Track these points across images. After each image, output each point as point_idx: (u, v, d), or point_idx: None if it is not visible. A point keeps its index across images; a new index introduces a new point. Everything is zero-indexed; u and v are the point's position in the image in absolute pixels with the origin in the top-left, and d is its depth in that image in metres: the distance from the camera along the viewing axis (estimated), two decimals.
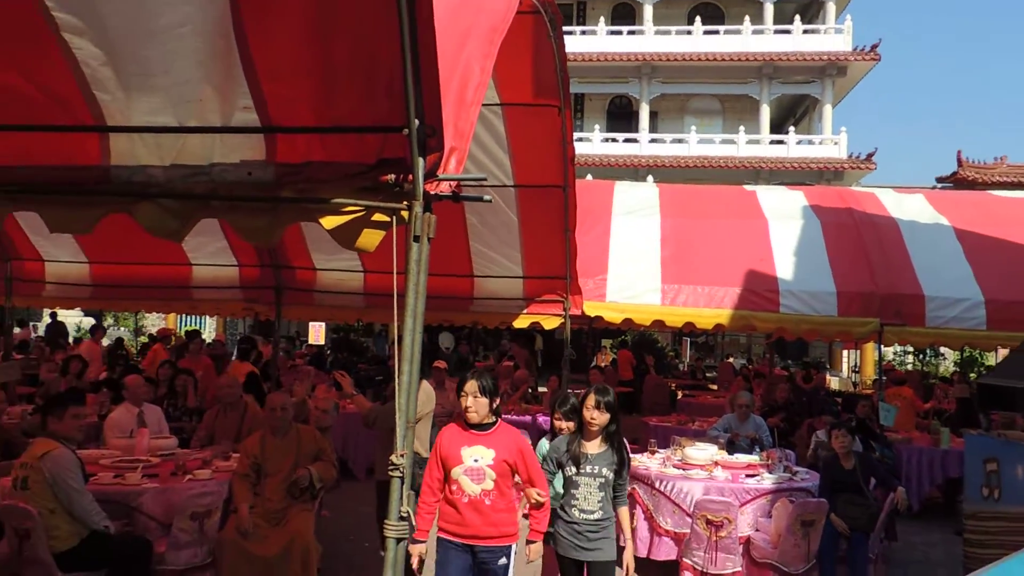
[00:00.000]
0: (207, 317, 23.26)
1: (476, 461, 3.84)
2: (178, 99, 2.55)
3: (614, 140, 27.64)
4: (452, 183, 2.57)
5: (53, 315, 18.40)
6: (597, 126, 28.02)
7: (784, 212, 9.45)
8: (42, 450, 4.53)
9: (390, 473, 2.55)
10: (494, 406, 3.95)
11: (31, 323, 22.04)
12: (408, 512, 2.54)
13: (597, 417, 4.11)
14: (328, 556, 5.78)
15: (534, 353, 22.25)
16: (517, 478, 4.04)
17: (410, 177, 2.52)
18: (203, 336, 15.55)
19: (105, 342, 16.85)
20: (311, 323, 23.57)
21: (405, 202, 2.57)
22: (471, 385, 3.87)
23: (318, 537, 5.33)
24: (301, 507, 5.51)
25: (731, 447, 7.19)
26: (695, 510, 5.54)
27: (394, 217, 2.60)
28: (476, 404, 3.87)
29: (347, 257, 8.50)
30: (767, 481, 6.04)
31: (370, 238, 2.62)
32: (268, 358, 10.36)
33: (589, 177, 20.89)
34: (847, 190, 12.58)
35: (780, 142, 27.25)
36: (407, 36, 2.26)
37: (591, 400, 4.13)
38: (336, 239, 2.65)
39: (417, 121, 2.39)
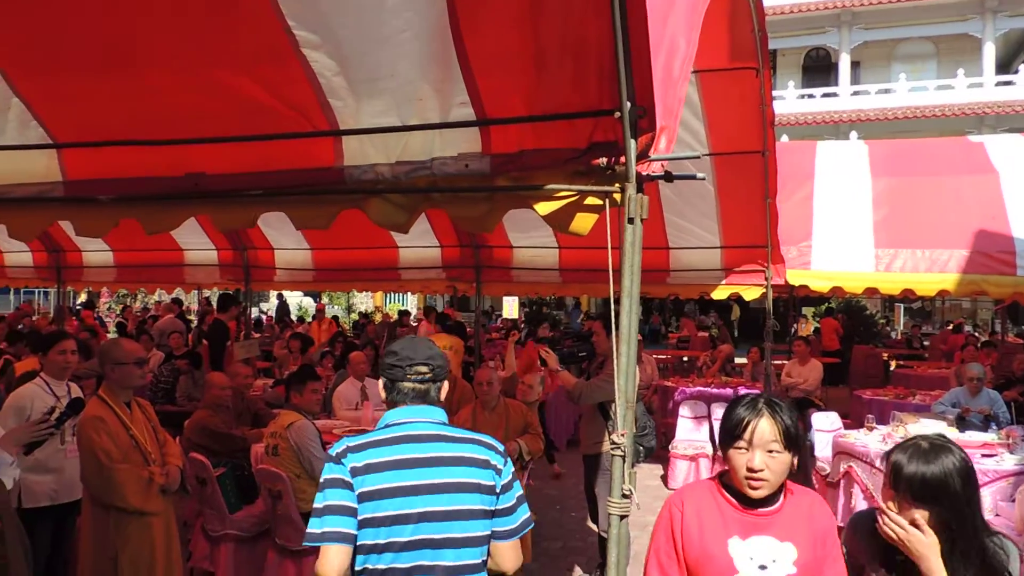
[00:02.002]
0: (408, 294, 24.70)
1: (764, 569, 2.14)
2: (401, 100, 2.73)
3: (811, 96, 25.93)
4: (663, 163, 2.55)
5: (280, 296, 20.36)
6: (791, 82, 26.42)
7: (1020, 163, 8.45)
8: (288, 421, 5.05)
9: (612, 452, 2.60)
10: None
11: (260, 303, 24.49)
12: (630, 490, 2.58)
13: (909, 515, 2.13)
14: (537, 524, 6.00)
15: (730, 323, 21.63)
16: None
17: (622, 159, 2.53)
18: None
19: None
20: (504, 297, 24.36)
21: (617, 184, 2.58)
22: (765, 427, 2.13)
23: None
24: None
25: (961, 424, 6.62)
26: None
27: (607, 199, 2.63)
28: (772, 464, 2.12)
29: (542, 234, 8.68)
30: (1008, 462, 5.51)
31: (583, 222, 2.66)
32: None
33: (784, 138, 19.80)
34: None
35: (1008, 83, 24.25)
36: (618, 17, 2.26)
37: (886, 491, 2.20)
38: (550, 224, 2.72)
39: (628, 103, 2.39)
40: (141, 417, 3.95)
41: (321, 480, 2.24)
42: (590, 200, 2.65)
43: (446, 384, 2.40)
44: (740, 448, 2.15)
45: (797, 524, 2.19)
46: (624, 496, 2.61)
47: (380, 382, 2.40)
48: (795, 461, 2.15)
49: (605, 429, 4.92)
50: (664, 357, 15.83)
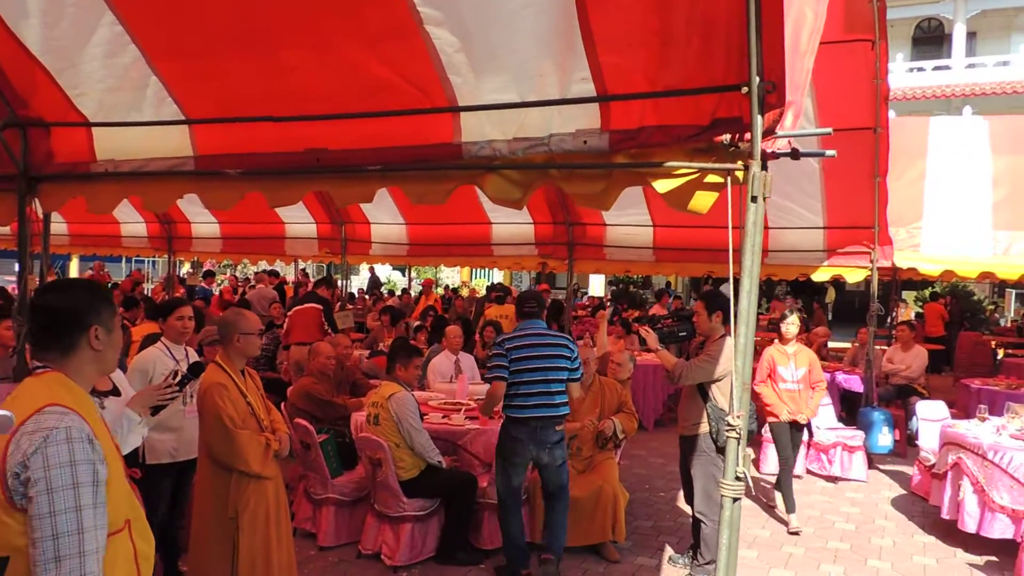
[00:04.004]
0: (494, 270, 24.83)
1: None
2: (521, 76, 2.73)
3: (920, 69, 24.56)
4: (790, 140, 2.48)
5: (371, 270, 20.82)
6: (900, 55, 25.06)
7: None
8: (389, 392, 5.18)
9: (727, 434, 2.56)
10: None
11: (350, 276, 25.03)
12: (744, 472, 2.54)
13: None
14: (627, 503, 5.97)
15: (824, 306, 20.91)
16: None
17: (746, 136, 2.47)
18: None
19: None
20: (591, 275, 24.20)
21: (740, 162, 2.52)
22: None
23: None
24: (605, 455, 5.77)
25: None
26: None
27: (728, 177, 2.57)
28: None
29: (637, 212, 8.59)
30: None
31: (703, 200, 2.61)
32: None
33: (892, 114, 18.84)
34: None
35: None
36: None
37: None
38: (669, 202, 2.68)
39: (758, 78, 2.32)
40: (253, 385, 4.11)
41: (492, 351, 4.88)
42: (711, 178, 2.60)
43: (544, 312, 5.20)
44: None
45: None
46: (737, 478, 2.58)
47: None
48: None
49: (704, 411, 4.85)
50: (754, 340, 15.44)
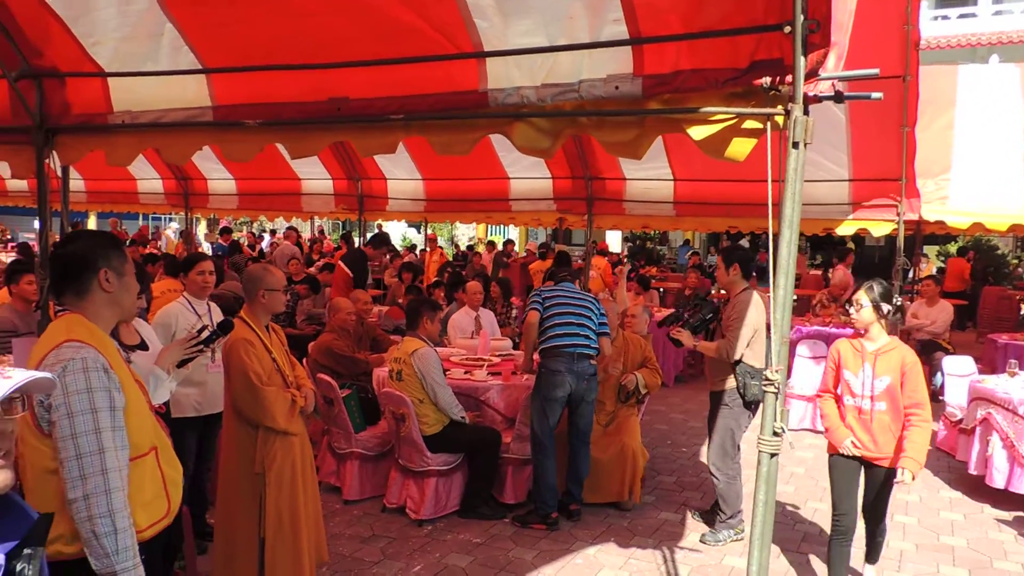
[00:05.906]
0: (510, 226, 24.67)
1: None
2: (550, 18, 2.61)
3: (945, 18, 23.85)
4: (834, 82, 2.36)
5: (379, 226, 20.68)
6: (924, 3, 24.33)
7: None
8: (412, 347, 5.16)
9: (765, 388, 2.50)
10: None
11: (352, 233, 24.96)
12: (782, 427, 2.49)
13: None
14: (649, 459, 5.96)
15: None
16: None
17: (787, 79, 2.36)
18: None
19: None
20: (607, 231, 24.01)
21: (780, 106, 2.42)
22: None
23: None
24: (628, 412, 5.75)
25: None
26: None
27: (767, 123, 2.46)
28: None
29: (657, 165, 8.42)
30: None
31: (741, 147, 2.51)
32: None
33: None
34: None
35: None
36: None
37: None
38: (704, 150, 2.57)
39: (802, 16, 2.20)
40: (277, 341, 4.07)
41: (530, 300, 5.47)
42: (749, 123, 2.49)
43: (577, 282, 5.75)
44: None
45: None
46: (775, 434, 2.52)
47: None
48: None
49: (731, 366, 4.81)
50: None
